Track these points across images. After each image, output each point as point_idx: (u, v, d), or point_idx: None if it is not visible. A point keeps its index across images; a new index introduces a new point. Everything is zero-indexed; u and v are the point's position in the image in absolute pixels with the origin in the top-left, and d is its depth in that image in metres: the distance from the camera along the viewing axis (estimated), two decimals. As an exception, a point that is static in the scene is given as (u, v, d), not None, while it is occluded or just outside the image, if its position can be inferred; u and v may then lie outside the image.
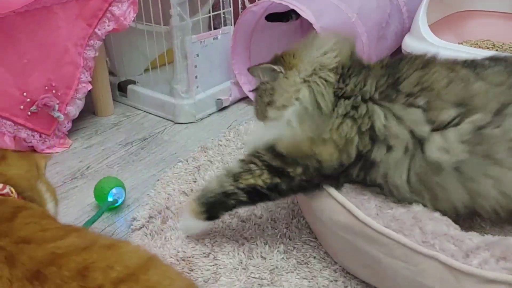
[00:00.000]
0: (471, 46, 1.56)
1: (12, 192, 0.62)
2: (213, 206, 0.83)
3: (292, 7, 1.30)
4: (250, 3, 1.47)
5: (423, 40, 1.40)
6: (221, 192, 0.81)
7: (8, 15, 1.11)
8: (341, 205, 0.74)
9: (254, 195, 0.80)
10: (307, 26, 1.65)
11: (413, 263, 0.65)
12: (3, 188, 0.61)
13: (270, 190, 0.78)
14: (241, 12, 1.56)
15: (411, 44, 1.44)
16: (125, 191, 1.05)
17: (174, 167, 1.18)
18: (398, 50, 1.56)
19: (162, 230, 0.95)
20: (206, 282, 0.83)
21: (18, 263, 0.47)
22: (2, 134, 1.18)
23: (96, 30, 1.31)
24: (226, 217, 0.98)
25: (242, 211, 0.99)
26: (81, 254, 0.49)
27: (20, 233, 0.52)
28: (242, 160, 0.82)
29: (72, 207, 1.06)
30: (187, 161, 1.19)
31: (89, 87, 1.33)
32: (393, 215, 0.70)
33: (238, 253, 0.89)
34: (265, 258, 0.88)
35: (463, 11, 1.70)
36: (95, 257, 0.50)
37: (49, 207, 0.69)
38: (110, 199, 1.01)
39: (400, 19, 1.59)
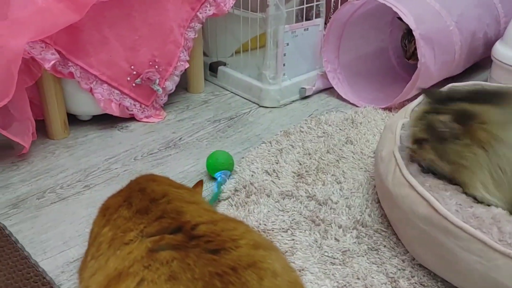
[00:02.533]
0: None
1: None
2: None
3: (394, 9, 1.34)
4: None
5: (514, 48, 1.39)
6: None
7: (127, -5, 1.24)
8: (423, 198, 0.80)
9: None
10: (397, 23, 1.68)
11: (488, 259, 0.70)
12: None
13: None
14: (333, 5, 1.62)
15: (501, 51, 1.44)
16: (231, 171, 1.15)
17: (258, 147, 1.27)
18: (487, 58, 1.55)
19: (246, 203, 1.05)
20: (283, 254, 0.92)
21: None
22: (110, 101, 1.33)
23: (198, 13, 1.42)
24: (304, 199, 1.06)
25: (320, 195, 1.07)
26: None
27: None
28: None
29: (166, 173, 1.18)
30: (270, 143, 1.28)
31: (187, 65, 1.45)
32: (473, 213, 0.75)
33: (313, 232, 0.97)
34: (338, 240, 0.95)
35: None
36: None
37: None
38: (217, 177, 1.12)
39: (496, 29, 1.58)
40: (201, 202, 0.68)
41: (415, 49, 1.35)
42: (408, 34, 1.57)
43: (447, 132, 0.82)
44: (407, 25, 1.36)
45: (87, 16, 1.17)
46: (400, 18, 1.41)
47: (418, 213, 0.82)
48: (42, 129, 1.31)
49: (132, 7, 1.28)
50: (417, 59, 1.37)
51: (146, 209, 0.60)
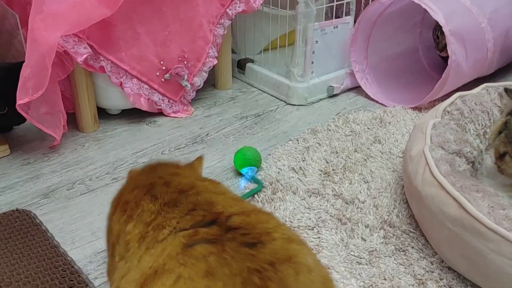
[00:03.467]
0: None
1: None
2: None
3: (423, 6, 1.32)
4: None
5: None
6: None
7: (158, -9, 1.25)
8: (453, 198, 0.78)
9: None
10: (427, 23, 1.65)
11: (520, 263, 0.68)
12: None
13: None
14: (363, 3, 1.60)
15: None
16: (258, 167, 1.14)
17: (284, 144, 1.26)
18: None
19: (272, 200, 1.05)
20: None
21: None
22: (139, 95, 1.34)
23: (227, 10, 1.43)
24: (331, 197, 1.05)
25: (347, 193, 1.06)
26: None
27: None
28: None
29: (193, 168, 1.19)
30: (297, 140, 1.27)
31: (215, 61, 1.46)
32: (506, 215, 0.73)
33: (340, 231, 0.96)
34: (365, 240, 0.94)
35: None
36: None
37: None
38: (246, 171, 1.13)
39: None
40: (227, 192, 0.67)
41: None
42: (440, 25, 1.53)
43: None
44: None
45: (119, 11, 1.18)
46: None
47: (448, 214, 0.80)
48: (73, 122, 1.34)
49: (163, 2, 1.29)
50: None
51: (175, 201, 0.59)
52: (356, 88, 1.58)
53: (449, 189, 0.81)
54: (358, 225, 0.98)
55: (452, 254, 0.85)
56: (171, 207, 0.59)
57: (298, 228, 0.97)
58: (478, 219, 0.75)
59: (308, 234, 0.95)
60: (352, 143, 1.26)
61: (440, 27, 1.51)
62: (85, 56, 1.18)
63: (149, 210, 0.60)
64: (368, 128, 1.33)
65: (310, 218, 1.00)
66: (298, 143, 1.26)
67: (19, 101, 1.10)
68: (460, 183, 0.84)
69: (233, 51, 1.69)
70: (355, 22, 1.54)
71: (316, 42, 1.48)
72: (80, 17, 1.12)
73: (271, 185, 1.09)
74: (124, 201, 0.65)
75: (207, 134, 1.35)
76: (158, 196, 0.62)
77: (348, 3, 1.53)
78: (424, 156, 0.92)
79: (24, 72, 1.10)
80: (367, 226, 0.97)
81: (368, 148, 1.24)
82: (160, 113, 1.43)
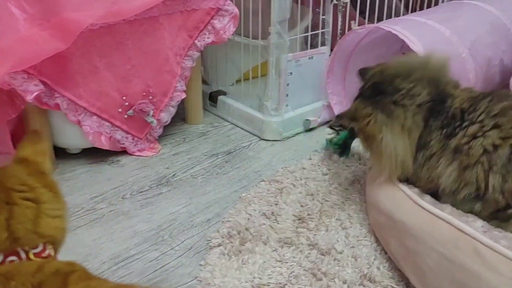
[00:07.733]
0: None
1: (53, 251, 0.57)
2: None
3: (401, 37, 1.25)
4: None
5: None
6: None
7: (119, 23, 1.17)
8: (445, 221, 0.78)
9: None
10: (407, 51, 1.59)
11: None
12: (44, 250, 0.56)
13: None
14: (339, 33, 1.53)
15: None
16: None
17: (256, 186, 1.17)
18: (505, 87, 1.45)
19: (240, 252, 0.95)
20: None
21: None
22: (100, 134, 1.24)
23: (196, 41, 1.35)
24: (305, 247, 0.96)
25: (323, 243, 0.97)
26: None
27: None
28: None
29: (156, 214, 1.09)
30: (269, 182, 1.18)
31: (183, 95, 1.37)
32: (504, 235, 0.75)
33: (314, 289, 0.86)
34: (342, 299, 0.84)
35: None
36: None
37: None
38: None
39: (513, 57, 1.48)
40: None
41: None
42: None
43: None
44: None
45: (75, 44, 1.09)
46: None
47: (440, 237, 0.77)
48: (27, 163, 1.22)
49: (124, 35, 1.20)
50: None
51: None
52: (334, 121, 1.50)
53: (439, 214, 0.80)
54: (334, 281, 0.88)
55: (439, 282, 0.77)
56: None
57: (268, 285, 0.87)
58: (475, 238, 0.73)
59: (279, 293, 0.85)
60: (329, 183, 1.17)
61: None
62: (35, 94, 1.08)
63: None
64: (347, 166, 1.24)
65: (281, 273, 0.90)
66: (271, 185, 1.17)
67: (-42, 145, 0.99)
68: (448, 209, 0.82)
69: (205, 83, 1.61)
70: (331, 52, 1.47)
71: (291, 73, 1.40)
72: (29, 52, 1.03)
73: (239, 234, 0.99)
74: None
75: (174, 174, 1.25)
76: None
77: (323, 33, 1.46)
78: (401, 190, 0.87)
79: (-35, 112, 0.99)
80: (344, 282, 0.88)
81: (346, 189, 1.15)
82: (125, 151, 1.33)
